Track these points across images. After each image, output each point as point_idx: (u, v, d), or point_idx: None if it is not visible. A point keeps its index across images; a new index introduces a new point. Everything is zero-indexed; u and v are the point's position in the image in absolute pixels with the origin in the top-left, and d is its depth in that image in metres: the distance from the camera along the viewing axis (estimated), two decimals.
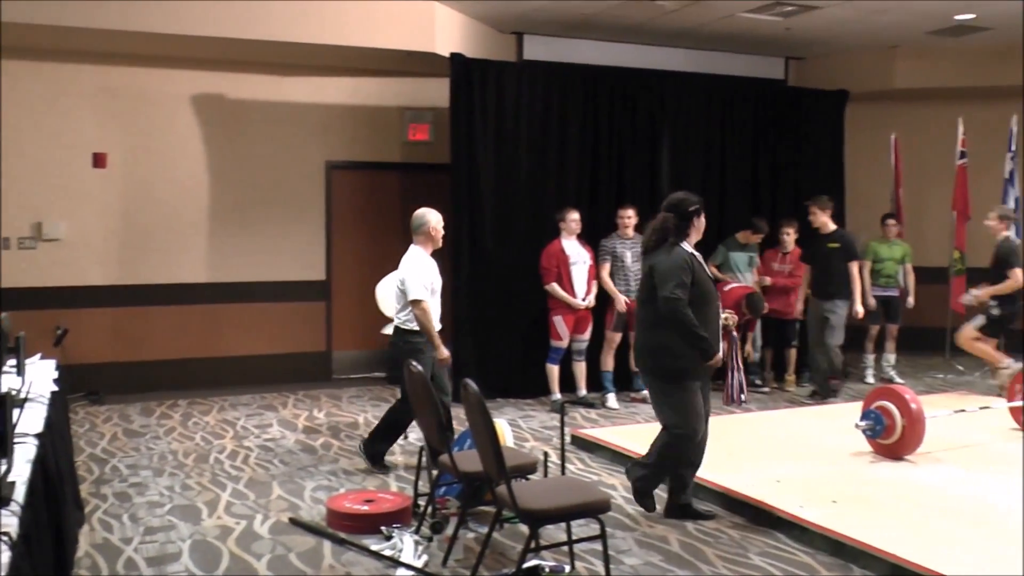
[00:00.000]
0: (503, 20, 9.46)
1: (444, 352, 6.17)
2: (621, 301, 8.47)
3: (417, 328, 6.14)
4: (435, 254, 6.47)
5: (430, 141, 10.02)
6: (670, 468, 5.33)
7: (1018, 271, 8.23)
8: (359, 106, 9.93)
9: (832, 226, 8.82)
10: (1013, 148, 10.22)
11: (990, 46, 10.73)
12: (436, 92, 9.57)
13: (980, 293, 8.47)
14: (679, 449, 5.22)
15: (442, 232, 6.41)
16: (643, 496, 5.41)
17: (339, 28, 8.48)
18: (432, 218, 6.35)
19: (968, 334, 8.54)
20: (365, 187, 10.08)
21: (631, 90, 9.64)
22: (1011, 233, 8.55)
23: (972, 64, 10.93)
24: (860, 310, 8.78)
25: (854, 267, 8.71)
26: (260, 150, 9.58)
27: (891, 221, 10.06)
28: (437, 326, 6.26)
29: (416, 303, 6.05)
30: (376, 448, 6.41)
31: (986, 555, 4.59)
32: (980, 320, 8.49)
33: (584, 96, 9.41)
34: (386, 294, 7.12)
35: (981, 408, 7.53)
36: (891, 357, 10.10)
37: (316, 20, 8.39)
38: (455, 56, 8.78)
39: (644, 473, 5.37)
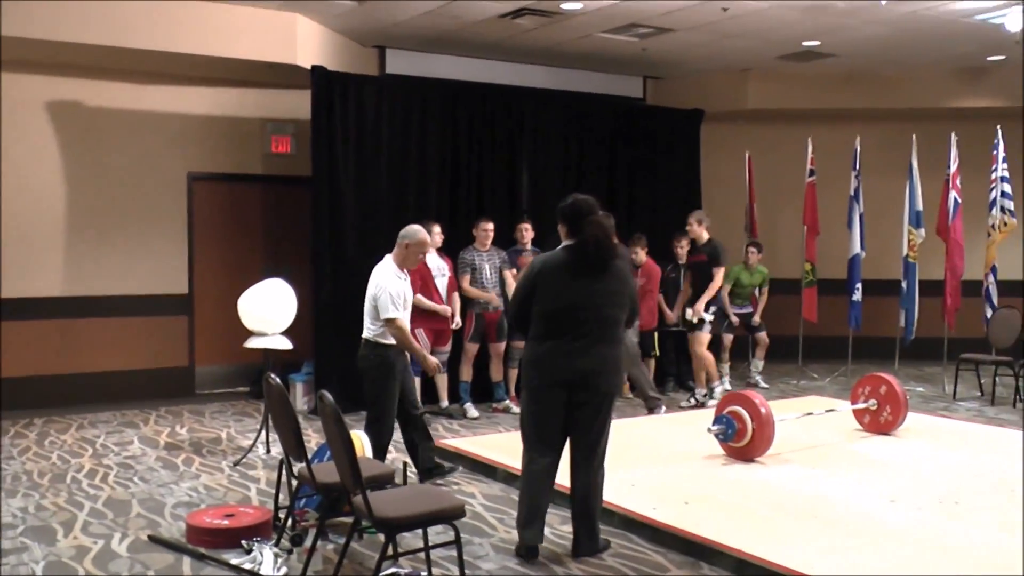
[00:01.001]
0: (365, 34, 9.52)
1: (433, 360, 6.07)
2: (493, 297, 8.67)
3: (388, 342, 5.95)
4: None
5: (292, 153, 10.00)
6: None
7: (723, 269, 9.01)
8: (221, 117, 9.82)
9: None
10: (857, 167, 10.80)
11: (836, 71, 11.36)
12: (298, 104, 9.53)
13: (698, 307, 8.95)
14: None
15: (419, 256, 6.10)
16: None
17: (200, 37, 8.38)
18: (410, 235, 6.01)
19: (701, 340, 9.11)
20: (227, 199, 9.98)
21: (491, 105, 9.81)
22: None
23: (819, 88, 11.57)
24: None
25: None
26: (119, 160, 9.38)
27: (752, 249, 10.49)
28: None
29: (390, 322, 5.83)
30: (423, 465, 6.32)
31: (824, 547, 4.87)
32: (707, 328, 9.07)
33: (445, 111, 9.53)
34: (249, 307, 7.03)
35: (827, 411, 7.96)
36: (759, 364, 10.59)
37: (176, 28, 8.28)
38: (316, 69, 8.77)
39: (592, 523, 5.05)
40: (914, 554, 4.79)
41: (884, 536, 5.07)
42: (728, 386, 10.13)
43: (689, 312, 9.03)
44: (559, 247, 5.08)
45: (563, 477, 5.07)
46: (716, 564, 4.79)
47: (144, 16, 8.14)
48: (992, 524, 5.29)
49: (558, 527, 5.35)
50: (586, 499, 4.94)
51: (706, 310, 8.99)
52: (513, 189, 9.92)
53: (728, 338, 10.38)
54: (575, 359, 4.83)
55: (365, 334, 6.00)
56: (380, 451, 5.95)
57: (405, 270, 6.08)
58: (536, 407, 4.98)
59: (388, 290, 5.82)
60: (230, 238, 9.98)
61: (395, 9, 8.56)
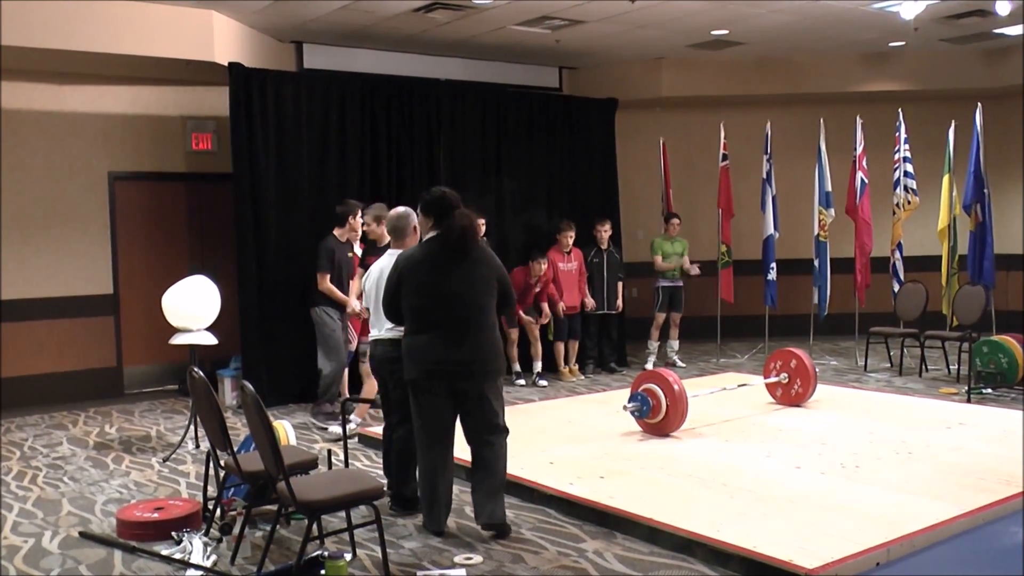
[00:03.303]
0: (282, 29, 9.60)
1: None
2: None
3: None
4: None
5: (214, 151, 10.03)
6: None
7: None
8: (141, 115, 9.81)
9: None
10: (769, 151, 11.14)
11: (745, 59, 11.72)
12: (218, 101, 9.55)
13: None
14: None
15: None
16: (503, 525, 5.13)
17: (116, 36, 8.36)
18: (411, 216, 5.66)
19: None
20: (150, 198, 9.98)
21: (408, 98, 9.92)
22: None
23: (730, 75, 11.91)
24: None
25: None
26: (39, 162, 9.32)
27: (675, 220, 10.80)
28: None
29: None
30: (401, 491, 5.61)
31: (732, 512, 5.15)
32: None
33: (363, 105, 9.61)
34: (174, 304, 7.09)
35: (740, 385, 8.29)
36: (675, 344, 10.90)
37: (92, 28, 8.25)
38: (233, 65, 8.83)
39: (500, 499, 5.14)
40: (815, 515, 5.09)
41: (788, 500, 5.37)
42: (651, 365, 10.43)
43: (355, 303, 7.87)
44: (422, 241, 5.18)
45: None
46: (629, 533, 5.04)
47: (60, 16, 8.10)
48: (888, 485, 5.62)
49: None
50: (496, 475, 5.10)
51: None
52: (433, 181, 10.00)
53: (660, 317, 10.68)
54: (450, 349, 4.95)
55: (394, 334, 5.46)
56: (409, 454, 5.52)
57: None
58: (420, 400, 5.11)
59: None
60: (154, 237, 9.98)
61: (310, 5, 8.66)
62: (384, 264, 5.64)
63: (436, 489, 5.13)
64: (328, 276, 7.99)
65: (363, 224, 7.79)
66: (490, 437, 5.12)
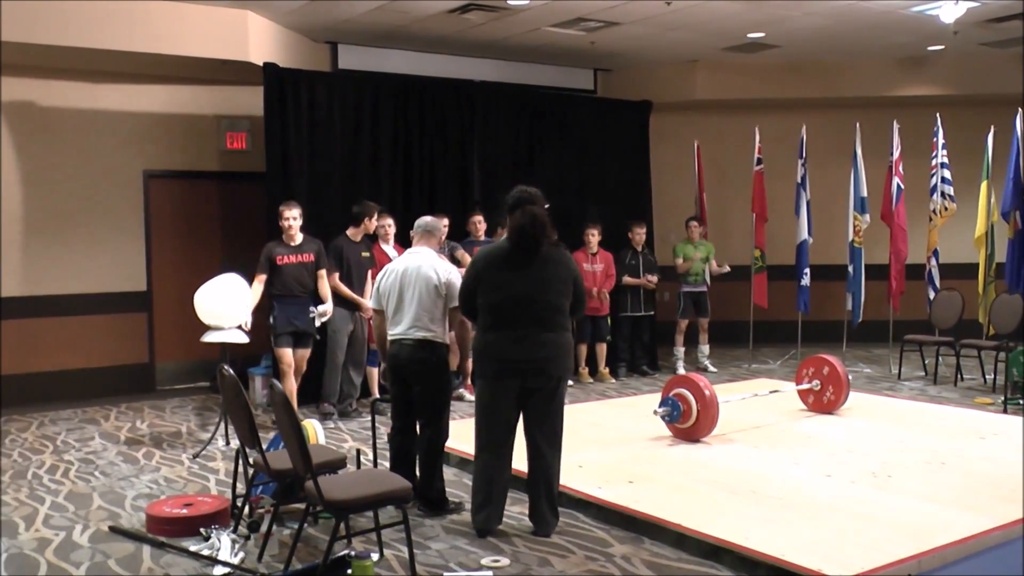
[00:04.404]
0: (316, 30, 9.64)
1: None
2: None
3: (445, 341, 5.52)
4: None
5: (248, 150, 10.09)
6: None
7: (323, 271, 7.88)
8: (175, 114, 9.88)
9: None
10: (803, 155, 11.05)
11: (781, 62, 11.63)
12: (253, 100, 9.59)
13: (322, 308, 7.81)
14: None
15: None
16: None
17: (151, 35, 8.44)
18: (437, 224, 5.89)
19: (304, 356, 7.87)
20: (184, 196, 10.05)
21: (441, 99, 9.93)
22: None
23: (766, 78, 11.82)
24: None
25: (320, 275, 7.93)
26: (74, 159, 9.42)
27: (694, 223, 10.74)
28: None
29: (458, 310, 5.41)
30: (426, 492, 5.57)
31: (760, 519, 5.09)
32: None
33: (396, 105, 9.64)
34: (205, 302, 7.13)
35: (771, 392, 8.22)
36: (705, 349, 10.82)
37: (128, 27, 8.33)
38: (268, 66, 8.88)
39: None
40: (845, 523, 5.03)
41: (818, 508, 5.32)
42: (682, 370, 10.39)
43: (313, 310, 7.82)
44: (503, 238, 5.24)
45: (518, 462, 5.28)
46: (657, 539, 5.00)
47: (95, 15, 8.18)
48: (919, 495, 5.55)
49: (507, 508, 5.53)
50: (550, 481, 5.15)
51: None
52: (465, 182, 10.06)
53: (684, 322, 10.63)
54: (524, 347, 4.99)
55: (421, 335, 5.45)
56: (435, 455, 5.59)
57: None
58: (489, 397, 5.12)
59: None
60: (188, 235, 10.06)
61: (344, 5, 8.69)
62: (407, 264, 5.59)
63: (493, 489, 5.14)
64: (336, 275, 8.14)
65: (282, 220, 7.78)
66: (552, 443, 5.15)
